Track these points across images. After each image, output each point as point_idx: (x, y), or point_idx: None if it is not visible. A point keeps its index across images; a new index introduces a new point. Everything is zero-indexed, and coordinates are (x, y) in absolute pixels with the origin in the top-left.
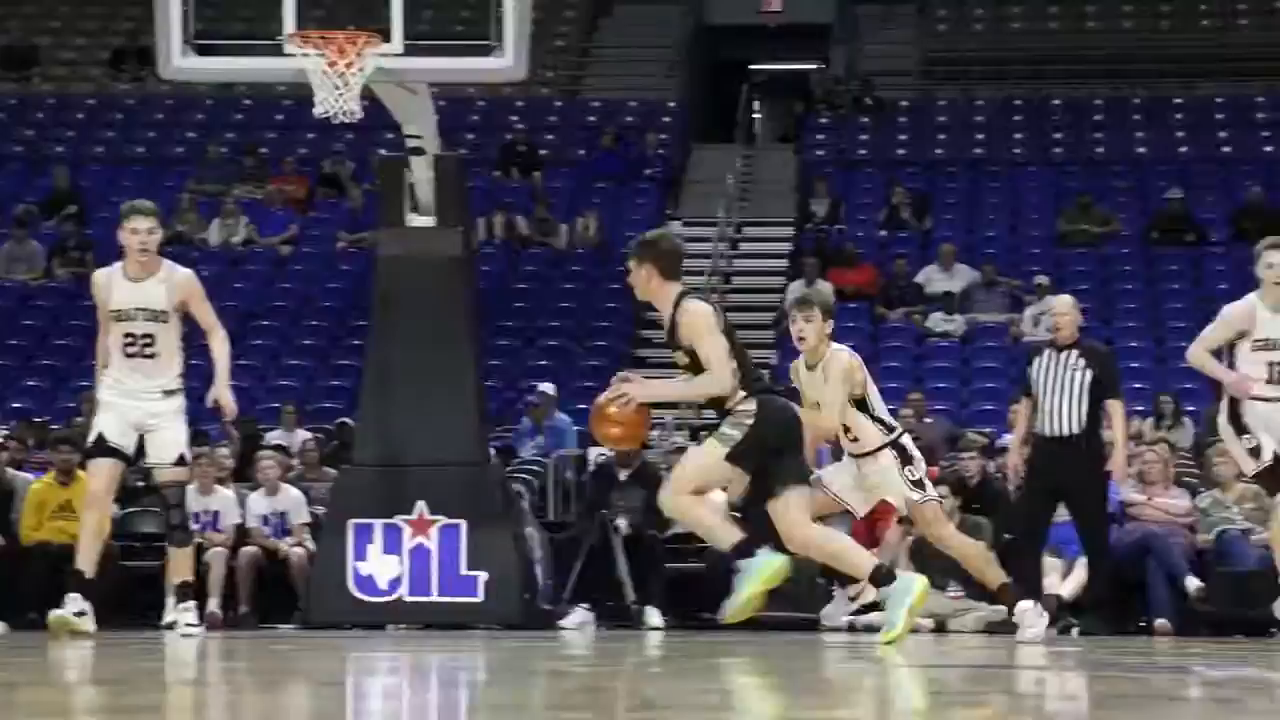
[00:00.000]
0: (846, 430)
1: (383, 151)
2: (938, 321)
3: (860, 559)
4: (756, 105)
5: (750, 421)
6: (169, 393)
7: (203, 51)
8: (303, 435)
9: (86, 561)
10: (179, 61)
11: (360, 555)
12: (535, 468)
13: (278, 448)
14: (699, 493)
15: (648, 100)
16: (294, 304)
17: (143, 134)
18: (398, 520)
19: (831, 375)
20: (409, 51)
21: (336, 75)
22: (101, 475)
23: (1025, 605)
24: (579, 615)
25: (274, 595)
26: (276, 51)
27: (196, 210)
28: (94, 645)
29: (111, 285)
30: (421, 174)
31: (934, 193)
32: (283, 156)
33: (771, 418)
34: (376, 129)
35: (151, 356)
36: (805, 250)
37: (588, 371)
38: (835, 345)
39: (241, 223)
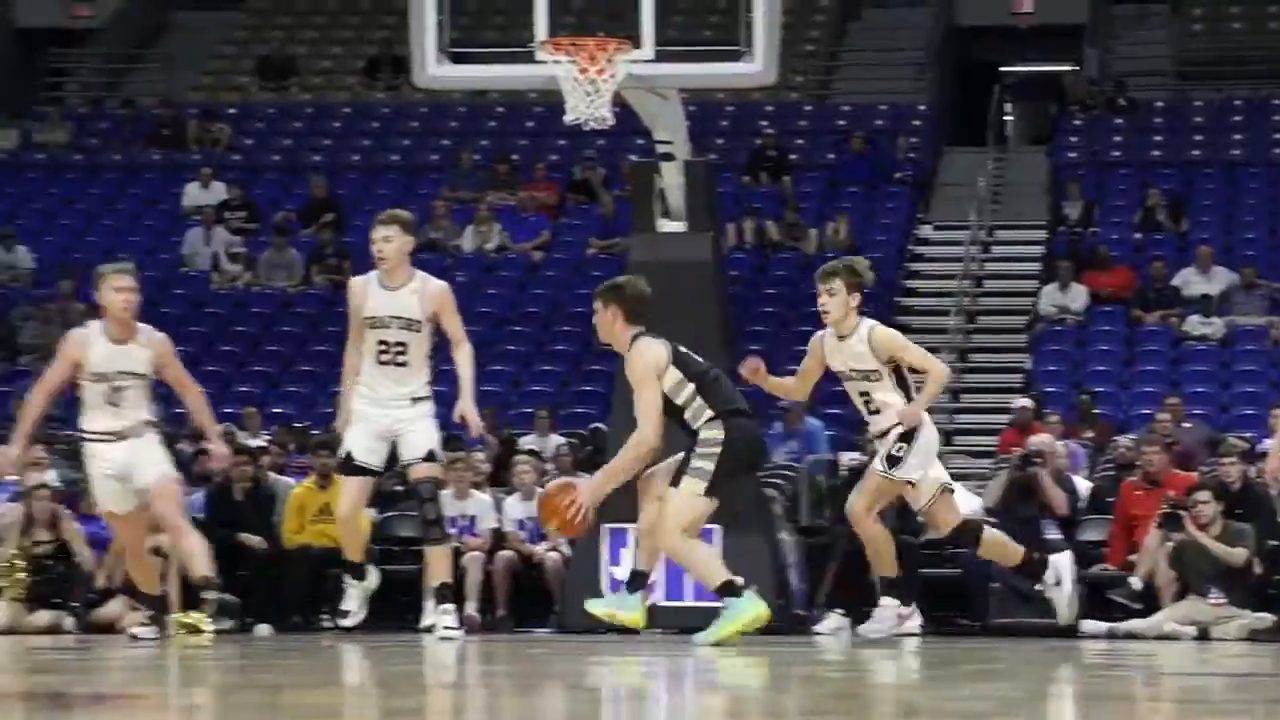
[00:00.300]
0: (868, 401)
1: (633, 157)
2: (1195, 325)
3: (711, 571)
4: (1008, 107)
5: (718, 449)
6: (417, 399)
7: (456, 60)
8: (556, 440)
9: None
10: (433, 70)
11: (614, 560)
12: (788, 473)
13: (531, 452)
14: (690, 531)
15: (897, 104)
16: (546, 309)
17: (397, 142)
18: None
19: (894, 340)
20: (659, 57)
21: (588, 82)
22: (349, 494)
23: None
24: (833, 620)
25: (530, 599)
26: (528, 59)
27: (450, 217)
28: (357, 648)
29: (367, 292)
30: (672, 179)
31: (1190, 194)
32: (534, 163)
33: (739, 442)
34: (626, 135)
35: (403, 364)
36: (1058, 253)
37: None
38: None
39: (494, 229)
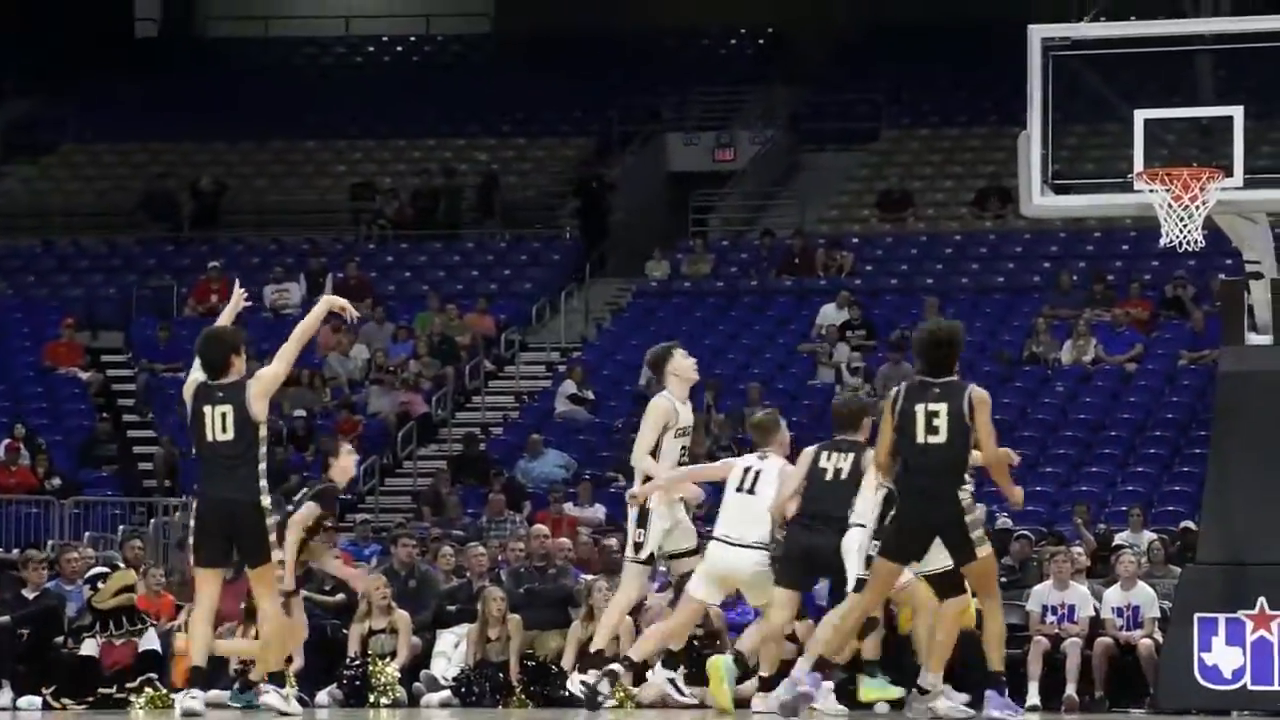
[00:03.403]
0: None
1: (1223, 276)
2: None
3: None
4: None
5: None
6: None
7: (1059, 190)
8: (1149, 536)
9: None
10: (1038, 200)
11: (1205, 646)
12: None
13: (1122, 547)
14: None
15: None
16: (1138, 416)
17: (1003, 265)
18: (1240, 614)
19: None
20: (1249, 184)
21: (1181, 208)
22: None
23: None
24: None
25: (1125, 682)
26: (1125, 188)
27: (1050, 332)
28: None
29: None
30: (1260, 296)
31: None
32: (1129, 281)
33: None
34: (1216, 255)
35: None
36: None
37: None
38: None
39: (1091, 343)
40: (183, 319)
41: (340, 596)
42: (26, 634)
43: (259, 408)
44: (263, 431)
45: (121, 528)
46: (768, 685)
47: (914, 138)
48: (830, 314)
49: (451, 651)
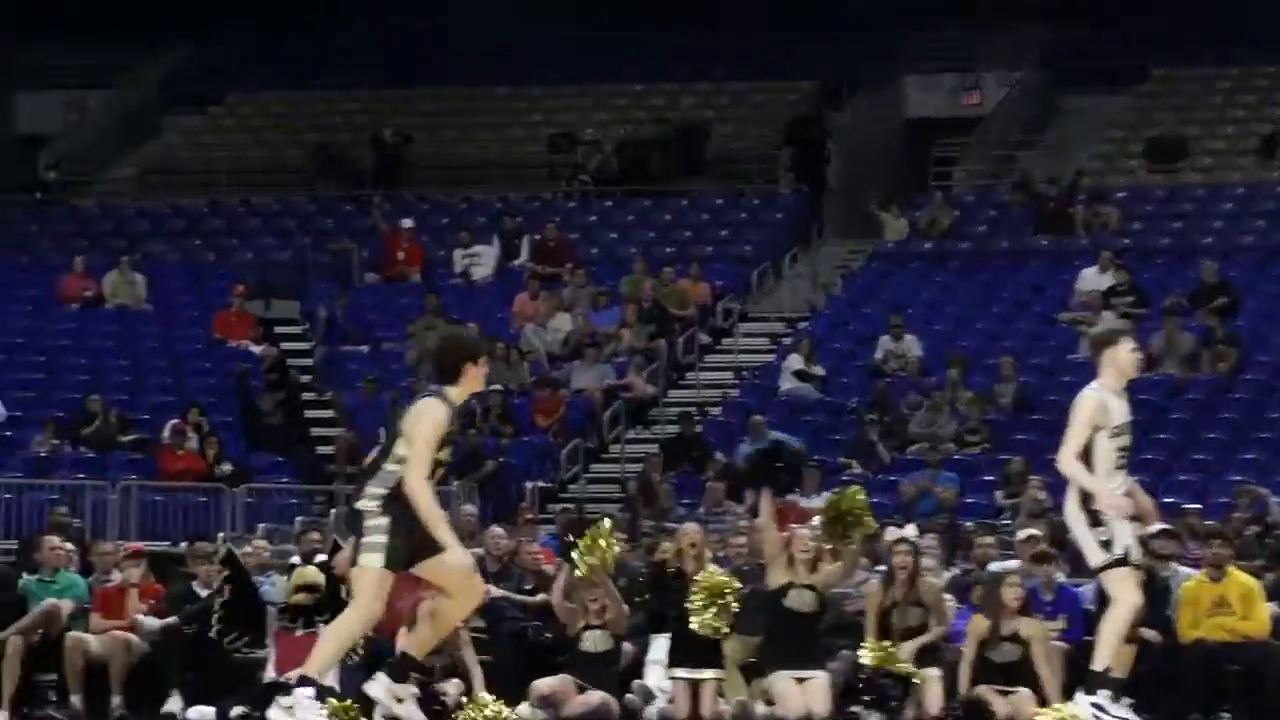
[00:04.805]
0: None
1: None
2: None
3: None
4: None
5: None
6: None
7: None
8: None
9: None
10: None
11: None
12: None
13: None
14: None
15: None
16: None
17: None
18: None
19: None
20: None
21: None
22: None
23: None
24: None
25: None
26: None
27: None
28: None
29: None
30: None
31: None
32: None
33: None
34: None
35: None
36: None
37: None
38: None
39: None
40: (364, 286)
41: (541, 596)
42: (194, 633)
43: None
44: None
45: (298, 519)
46: None
47: (1188, 78)
48: (1092, 278)
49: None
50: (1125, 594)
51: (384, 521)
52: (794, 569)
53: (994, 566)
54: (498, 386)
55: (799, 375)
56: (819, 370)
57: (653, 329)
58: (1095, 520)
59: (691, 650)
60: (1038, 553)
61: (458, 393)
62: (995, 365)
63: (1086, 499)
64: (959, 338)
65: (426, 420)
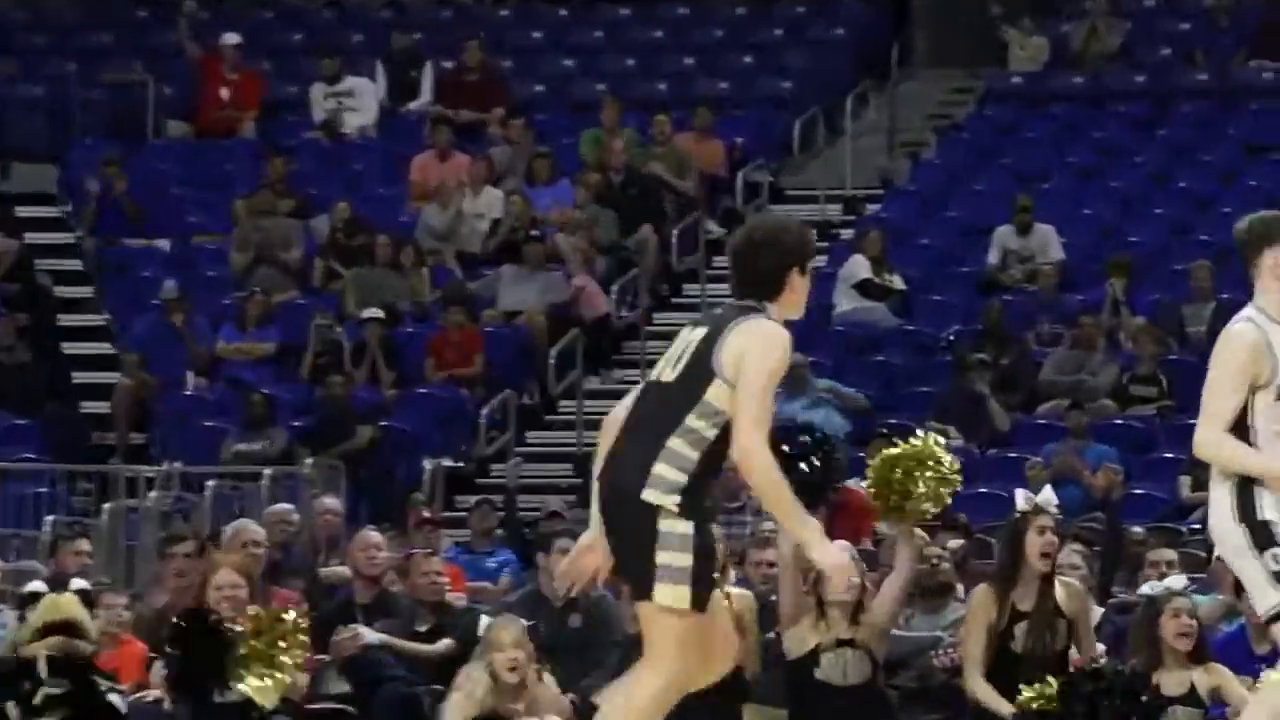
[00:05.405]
0: None
1: None
2: None
3: None
4: None
5: None
6: None
7: None
8: None
9: None
10: None
11: None
12: None
13: None
14: None
15: None
16: None
17: None
18: None
19: None
20: None
21: None
22: None
23: None
24: None
25: None
26: None
27: None
28: None
29: None
30: None
31: None
32: None
33: None
34: None
35: None
36: None
37: None
38: None
39: None
40: (163, 142)
41: (445, 642)
42: None
43: None
44: None
45: (49, 518)
46: None
47: None
48: None
49: None
50: None
51: (688, 530)
52: (826, 622)
53: (1148, 588)
54: (375, 312)
55: (864, 289)
56: (896, 282)
57: (629, 214)
58: (1267, 536)
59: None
60: None
61: (778, 314)
62: (1184, 274)
63: (1248, 497)
64: (1126, 228)
65: (777, 352)
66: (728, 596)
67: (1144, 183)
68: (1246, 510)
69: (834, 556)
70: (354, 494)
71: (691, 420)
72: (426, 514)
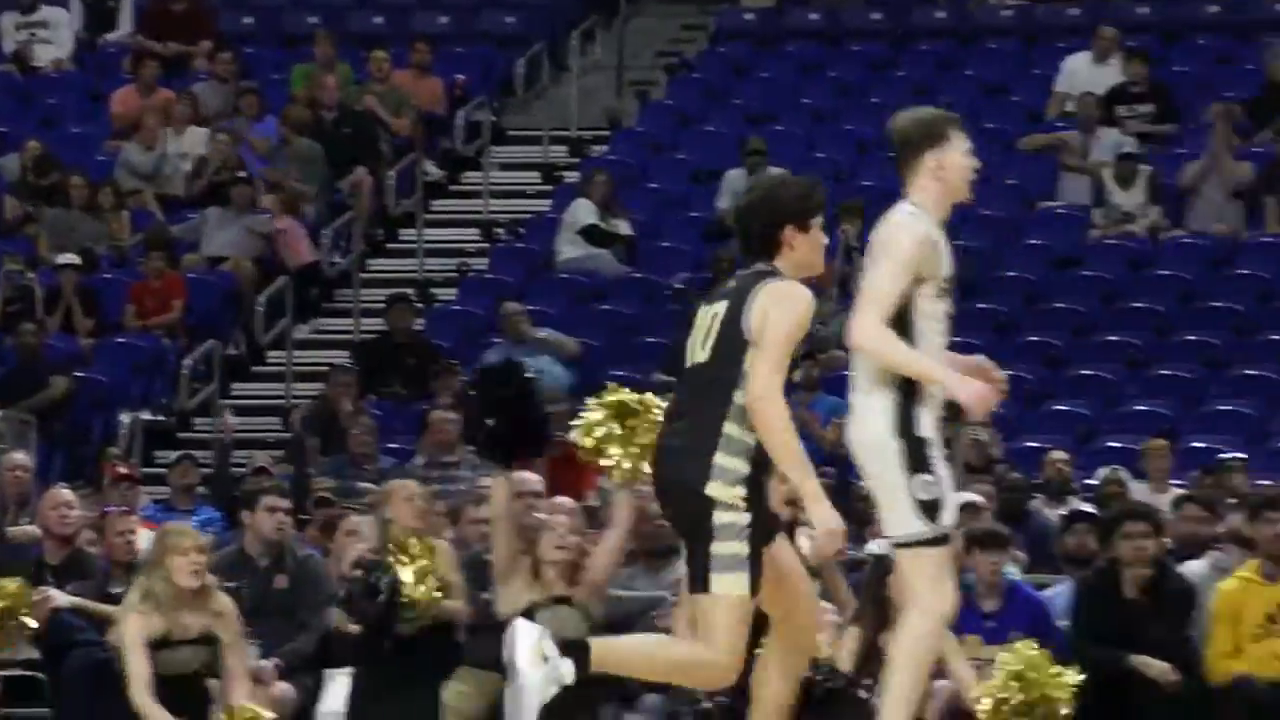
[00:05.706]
0: None
1: None
2: None
3: None
4: None
5: None
6: None
7: None
8: None
9: None
10: None
11: None
12: None
13: None
14: None
15: None
16: None
17: None
18: None
19: None
20: None
21: None
22: None
23: None
24: None
25: None
26: None
27: None
28: None
29: None
30: None
31: None
32: None
33: None
34: None
35: None
36: None
37: None
38: None
39: None
40: None
41: None
42: None
43: None
44: None
45: None
46: None
47: None
48: (1084, 70)
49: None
50: (935, 600)
51: (746, 520)
52: (542, 581)
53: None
54: (71, 257)
55: (589, 235)
56: (623, 227)
57: (342, 154)
58: (921, 458)
59: None
60: (983, 533)
61: (791, 274)
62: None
63: (908, 410)
64: (861, 172)
65: (801, 307)
66: None
67: (879, 125)
68: (905, 424)
69: (831, 520)
70: (46, 449)
71: (740, 397)
72: (123, 470)
